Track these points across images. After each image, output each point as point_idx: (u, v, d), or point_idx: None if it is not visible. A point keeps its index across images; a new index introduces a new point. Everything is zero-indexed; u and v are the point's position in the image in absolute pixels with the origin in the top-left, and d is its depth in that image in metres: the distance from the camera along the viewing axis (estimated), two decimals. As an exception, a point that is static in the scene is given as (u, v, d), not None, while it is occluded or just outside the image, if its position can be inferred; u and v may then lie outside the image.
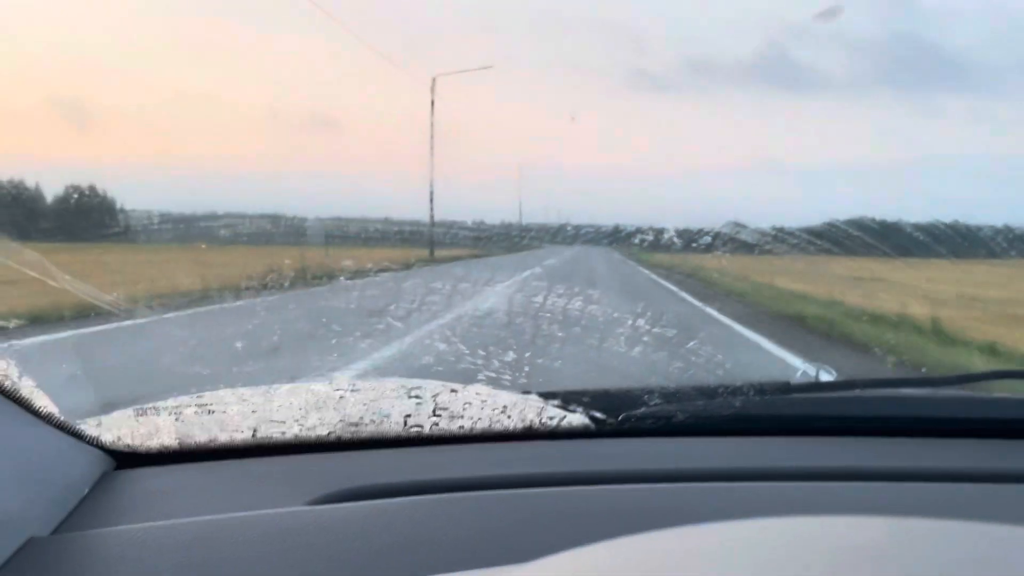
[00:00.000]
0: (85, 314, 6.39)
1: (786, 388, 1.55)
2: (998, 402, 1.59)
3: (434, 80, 23.09)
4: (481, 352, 3.48)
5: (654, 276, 13.52)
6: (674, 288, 12.19)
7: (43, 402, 1.19)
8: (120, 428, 1.32)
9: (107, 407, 1.39)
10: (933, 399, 1.60)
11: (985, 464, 1.36)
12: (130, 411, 1.35)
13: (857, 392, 1.62)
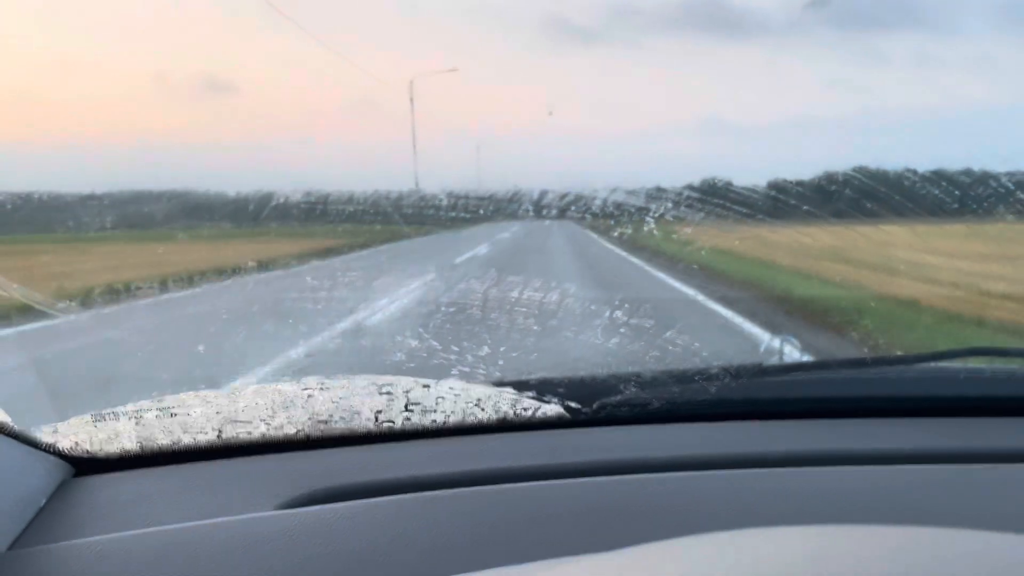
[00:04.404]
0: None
1: (761, 371, 1.55)
2: (973, 379, 1.58)
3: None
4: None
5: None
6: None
7: None
8: (78, 434, 1.28)
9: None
10: (907, 378, 1.60)
11: (961, 444, 1.36)
12: (87, 416, 1.32)
13: (831, 373, 1.63)
